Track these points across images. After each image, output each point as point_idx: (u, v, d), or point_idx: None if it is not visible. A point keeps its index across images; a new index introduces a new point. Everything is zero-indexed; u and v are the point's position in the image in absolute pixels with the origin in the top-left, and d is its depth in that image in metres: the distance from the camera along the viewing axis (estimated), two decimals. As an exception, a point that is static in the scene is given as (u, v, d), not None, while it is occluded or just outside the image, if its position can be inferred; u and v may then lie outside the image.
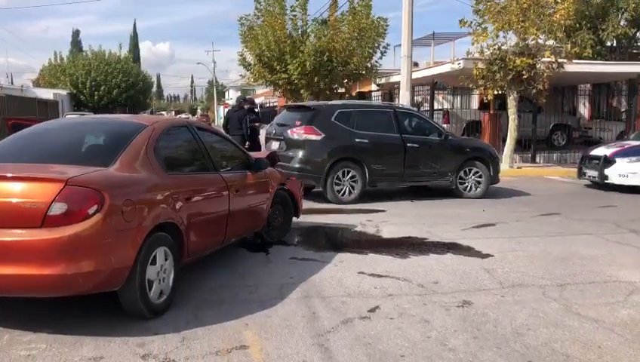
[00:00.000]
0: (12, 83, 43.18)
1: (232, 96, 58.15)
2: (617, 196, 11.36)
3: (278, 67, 20.97)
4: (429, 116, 11.55)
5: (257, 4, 21.42)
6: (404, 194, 10.83)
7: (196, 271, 5.36)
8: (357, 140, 9.81)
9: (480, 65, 15.04)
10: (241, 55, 22.38)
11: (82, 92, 41.69)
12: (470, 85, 15.99)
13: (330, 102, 10.50)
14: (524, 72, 14.57)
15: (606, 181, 12.23)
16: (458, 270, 5.68)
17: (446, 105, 22.40)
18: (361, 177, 9.82)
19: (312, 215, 8.40)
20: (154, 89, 68.65)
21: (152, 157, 4.53)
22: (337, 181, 9.66)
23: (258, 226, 6.26)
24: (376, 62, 22.74)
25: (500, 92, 15.69)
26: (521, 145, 18.14)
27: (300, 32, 20.61)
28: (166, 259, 4.36)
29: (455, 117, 18.52)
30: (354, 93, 25.22)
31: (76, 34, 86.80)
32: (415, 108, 11.06)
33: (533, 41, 14.73)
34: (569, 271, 5.67)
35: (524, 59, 14.45)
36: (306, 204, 8.40)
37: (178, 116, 8.45)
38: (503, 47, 14.75)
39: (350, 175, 9.75)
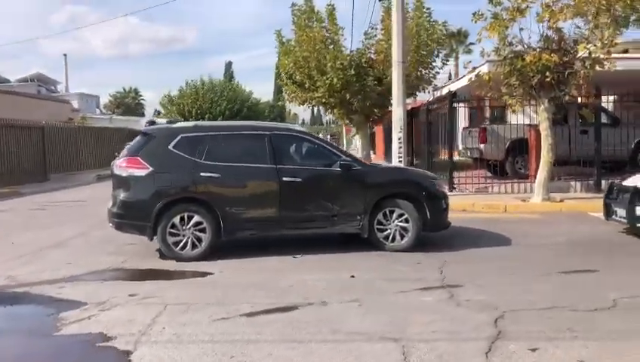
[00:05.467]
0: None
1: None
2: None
3: (307, 85, 18.75)
4: (328, 140, 8.52)
5: (294, 17, 19.43)
6: (296, 243, 7.92)
7: None
8: (203, 174, 7.26)
9: (492, 68, 11.49)
10: (277, 73, 20.51)
11: (188, 120, 42.78)
12: (493, 95, 12.33)
13: (174, 125, 8.08)
14: (547, 74, 10.70)
15: (639, 224, 8.18)
16: None
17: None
18: (211, 224, 7.23)
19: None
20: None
21: None
22: (174, 230, 7.18)
23: None
24: (431, 71, 19.58)
25: (527, 101, 11.87)
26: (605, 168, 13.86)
27: (326, 46, 18.13)
28: None
29: (495, 135, 14.66)
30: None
31: (229, 65, 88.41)
32: (301, 128, 8.12)
33: (560, 29, 10.84)
34: None
35: (549, 55, 10.61)
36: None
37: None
38: (515, 42, 11.03)
39: (193, 221, 7.22)
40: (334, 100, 18.92)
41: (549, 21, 10.71)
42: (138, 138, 7.59)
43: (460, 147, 17.55)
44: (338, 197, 7.57)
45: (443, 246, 7.97)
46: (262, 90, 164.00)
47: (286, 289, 5.83)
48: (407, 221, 7.65)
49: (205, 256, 7.21)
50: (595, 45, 10.62)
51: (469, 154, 16.34)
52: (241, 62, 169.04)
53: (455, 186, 13.65)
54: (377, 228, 7.66)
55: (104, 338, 4.43)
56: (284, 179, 7.37)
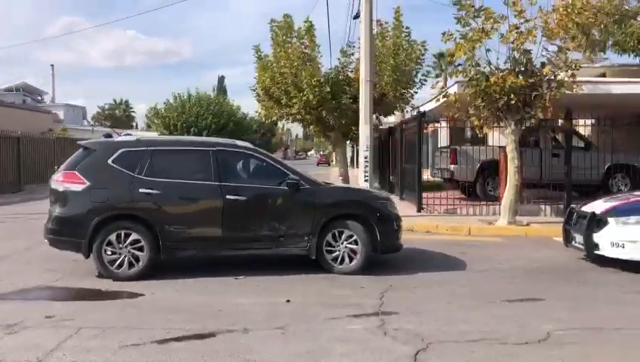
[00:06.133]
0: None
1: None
2: (615, 277, 7.25)
3: (284, 100, 18.61)
4: (275, 157, 8.28)
5: (272, 33, 19.32)
6: (242, 263, 7.66)
7: None
8: (142, 190, 7.00)
9: (460, 89, 11.37)
10: (253, 89, 20.38)
11: (173, 133, 42.50)
12: (461, 116, 12.19)
13: (114, 139, 7.83)
14: (512, 96, 10.57)
15: (596, 252, 7.99)
16: None
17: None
18: (150, 243, 6.96)
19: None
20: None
21: None
22: (110, 248, 6.91)
23: None
24: (409, 91, 19.56)
25: (494, 123, 11.72)
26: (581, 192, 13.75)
27: (303, 63, 18.00)
28: None
29: (465, 156, 14.51)
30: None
31: (222, 79, 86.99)
32: (247, 144, 7.91)
33: (528, 51, 10.73)
34: None
35: (514, 77, 10.49)
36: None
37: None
38: (481, 63, 10.91)
39: (130, 239, 6.95)
40: (310, 117, 18.82)
41: (512, 43, 10.60)
42: (78, 152, 7.34)
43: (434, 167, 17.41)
44: (285, 217, 7.34)
45: (394, 269, 7.74)
46: (255, 105, 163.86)
47: (213, 314, 5.57)
48: (356, 243, 7.42)
49: (143, 276, 6.94)
50: (559, 68, 10.51)
51: (439, 174, 16.18)
52: (236, 77, 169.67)
53: (424, 207, 13.45)
54: (326, 250, 7.43)
55: (-4, 367, 4.15)
56: (228, 197, 7.13)
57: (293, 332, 5.04)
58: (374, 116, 21.24)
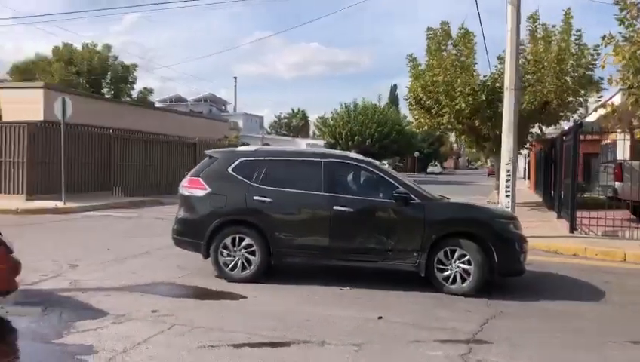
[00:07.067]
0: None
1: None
2: None
3: (434, 110, 18.22)
4: (387, 170, 7.95)
5: (428, 41, 19.06)
6: (353, 275, 7.60)
7: None
8: (256, 198, 7.32)
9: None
10: (406, 98, 20.22)
11: (339, 142, 43.88)
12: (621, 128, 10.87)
13: (238, 149, 8.14)
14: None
15: None
16: None
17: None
18: (261, 248, 7.26)
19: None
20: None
21: None
22: (226, 251, 7.33)
23: None
24: (577, 99, 18.00)
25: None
26: None
27: (457, 70, 17.43)
28: None
29: (634, 172, 12.81)
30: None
31: (394, 88, 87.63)
32: (359, 156, 7.72)
33: None
34: None
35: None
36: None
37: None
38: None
39: (244, 243, 7.30)
40: (462, 127, 18.15)
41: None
42: (204, 160, 7.91)
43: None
44: (393, 231, 7.15)
45: (515, 294, 7.13)
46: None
47: (300, 323, 5.61)
48: (469, 263, 6.97)
49: (255, 278, 7.24)
50: None
51: (602, 192, 14.51)
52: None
53: (577, 228, 12.18)
54: (437, 268, 7.09)
55: (87, 351, 4.62)
56: (335, 207, 7.16)
57: (367, 350, 4.89)
58: (537, 126, 19.89)
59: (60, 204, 15.51)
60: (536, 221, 14.09)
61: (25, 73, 38.68)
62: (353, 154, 8.13)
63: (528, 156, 36.62)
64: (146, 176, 21.76)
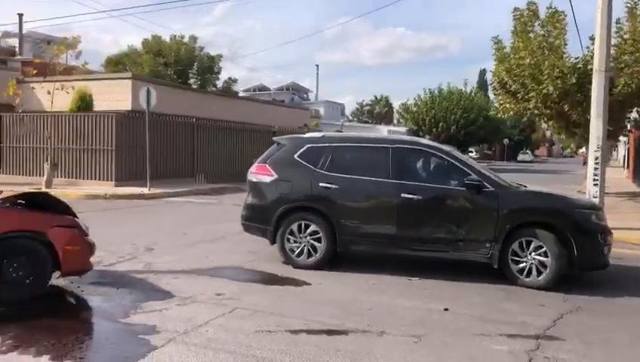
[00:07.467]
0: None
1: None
2: None
3: (520, 94, 17.35)
4: (460, 156, 7.50)
5: (514, 22, 18.18)
6: (424, 265, 7.37)
7: None
8: (321, 185, 7.26)
9: None
10: (490, 83, 19.40)
11: (422, 128, 43.04)
12: None
13: (306, 135, 8.04)
14: None
15: None
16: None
17: None
18: (327, 235, 7.20)
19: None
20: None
21: None
22: (292, 237, 7.34)
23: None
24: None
25: None
26: None
27: (544, 52, 16.46)
28: None
29: None
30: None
31: (483, 73, 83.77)
32: (429, 142, 7.34)
33: None
34: None
35: None
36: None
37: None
38: None
39: (310, 230, 7.28)
40: (550, 112, 17.18)
41: None
42: (272, 147, 7.94)
43: None
44: (464, 220, 6.86)
45: (596, 289, 6.67)
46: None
47: (361, 312, 5.52)
48: (546, 255, 6.57)
49: (320, 265, 7.22)
50: None
51: None
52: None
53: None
54: (512, 260, 6.74)
55: (150, 331, 4.76)
56: (403, 195, 6.97)
57: (428, 342, 4.71)
58: (635, 111, 18.50)
59: (145, 190, 16.25)
60: (629, 212, 13.13)
61: (117, 65, 40.78)
62: (423, 140, 7.87)
63: (628, 143, 34.23)
64: (227, 164, 22.35)
